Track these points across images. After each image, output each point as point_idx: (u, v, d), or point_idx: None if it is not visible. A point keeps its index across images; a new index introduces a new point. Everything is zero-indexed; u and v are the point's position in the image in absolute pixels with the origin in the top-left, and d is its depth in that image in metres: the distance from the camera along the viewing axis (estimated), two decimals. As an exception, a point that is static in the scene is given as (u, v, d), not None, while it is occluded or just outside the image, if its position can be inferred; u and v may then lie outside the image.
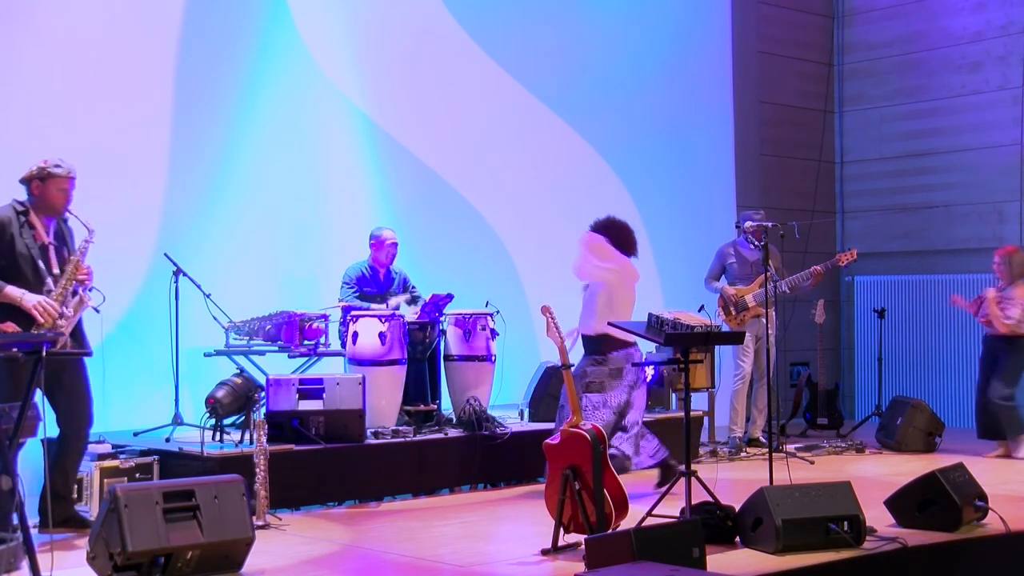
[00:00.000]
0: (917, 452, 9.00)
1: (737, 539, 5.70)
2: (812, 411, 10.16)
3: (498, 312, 8.10)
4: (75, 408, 5.98)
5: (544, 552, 5.53)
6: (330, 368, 8.09)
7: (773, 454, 6.72)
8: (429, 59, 9.50)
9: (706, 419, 9.14)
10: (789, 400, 10.51)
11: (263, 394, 6.99)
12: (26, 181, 5.89)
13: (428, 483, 7.41)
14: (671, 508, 5.94)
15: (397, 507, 7.05)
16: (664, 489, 6.26)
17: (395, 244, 8.21)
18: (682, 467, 5.97)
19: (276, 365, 7.92)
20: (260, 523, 6.01)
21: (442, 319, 8.05)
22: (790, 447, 8.91)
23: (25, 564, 4.66)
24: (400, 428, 7.43)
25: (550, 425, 7.20)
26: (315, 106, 8.89)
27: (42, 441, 5.28)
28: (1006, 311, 8.68)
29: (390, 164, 9.28)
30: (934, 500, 6.02)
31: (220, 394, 6.91)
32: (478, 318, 7.98)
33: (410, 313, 8.03)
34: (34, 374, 4.63)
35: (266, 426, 6.39)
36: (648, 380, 8.18)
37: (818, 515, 5.53)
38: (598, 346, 6.85)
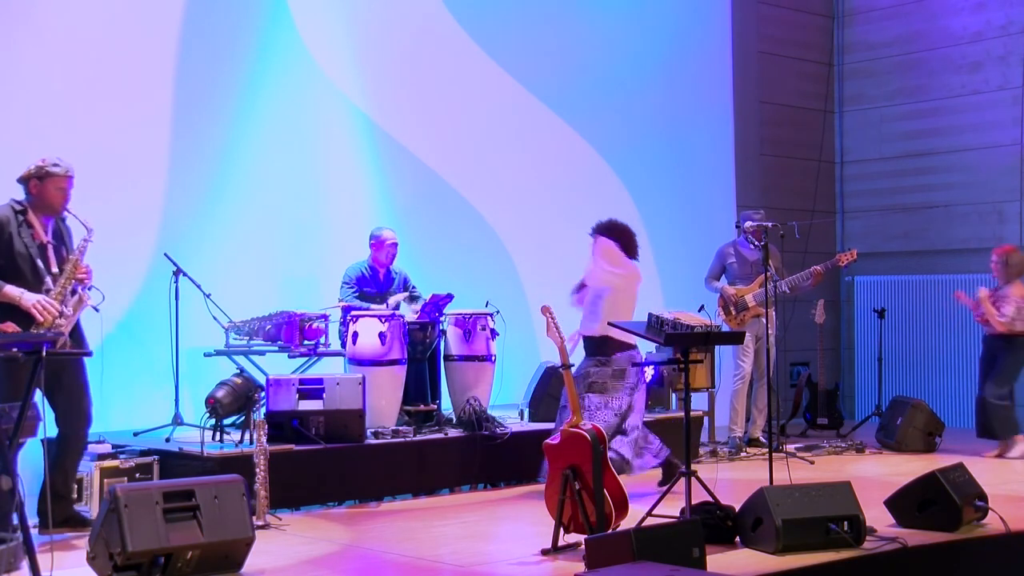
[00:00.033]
0: (917, 452, 9.00)
1: (737, 539, 5.70)
2: (812, 411, 10.16)
3: (498, 312, 8.10)
4: (74, 408, 5.98)
5: (544, 552, 5.53)
6: (330, 368, 8.09)
7: (773, 454, 6.72)
8: (429, 59, 9.50)
9: (706, 419, 9.14)
10: (789, 400, 10.51)
11: (263, 394, 6.99)
12: (24, 180, 5.89)
13: (428, 483, 7.41)
14: (671, 508, 5.94)
15: (397, 507, 7.05)
16: (664, 489, 6.27)
17: (395, 244, 8.21)
18: (682, 467, 5.97)
19: (276, 365, 7.92)
20: (260, 523, 6.01)
21: (442, 319, 8.05)
22: (790, 447, 8.91)
23: (25, 564, 4.66)
24: (400, 428, 7.43)
25: (550, 425, 7.20)
26: (315, 106, 8.89)
27: (42, 441, 5.28)
28: (1000, 309, 8.69)
29: (390, 164, 9.28)
30: (934, 500, 6.02)
31: (220, 394, 6.91)
32: (478, 318, 7.98)
33: (410, 312, 8.02)
34: (34, 374, 4.62)
35: (266, 426, 6.39)
36: (648, 380, 8.19)
37: (818, 515, 5.53)
38: (602, 347, 6.85)
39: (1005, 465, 8.47)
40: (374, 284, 8.20)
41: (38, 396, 5.00)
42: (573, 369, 5.98)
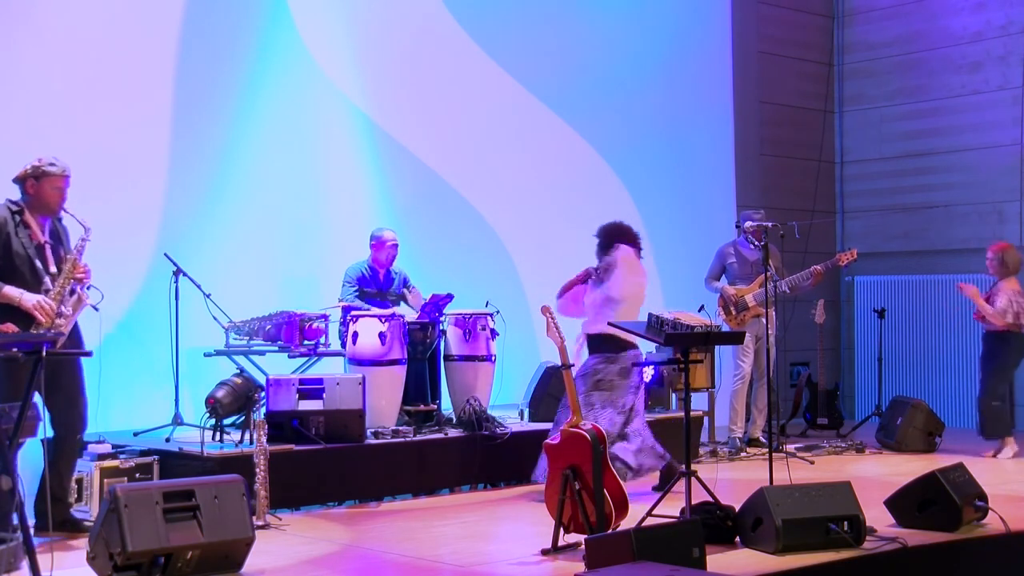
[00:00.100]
0: (917, 452, 9.00)
1: (737, 539, 5.70)
2: (812, 411, 10.16)
3: (498, 312, 8.10)
4: (71, 409, 5.97)
5: (544, 552, 5.53)
6: (330, 368, 8.09)
7: (773, 454, 6.72)
8: (429, 59, 9.51)
9: (706, 419, 9.14)
10: (789, 400, 10.51)
11: (263, 394, 6.99)
12: (20, 180, 5.88)
13: (428, 483, 7.41)
14: (671, 508, 5.94)
15: (397, 507, 7.05)
16: (664, 489, 6.27)
17: (395, 245, 8.20)
18: (682, 467, 5.97)
19: (276, 365, 7.92)
20: (260, 523, 6.01)
21: (442, 319, 8.05)
22: (790, 447, 8.91)
23: (25, 564, 4.66)
24: (400, 428, 7.43)
25: (550, 425, 7.19)
26: (315, 106, 8.89)
27: (42, 441, 5.28)
28: (993, 302, 8.71)
29: (390, 164, 9.28)
30: (934, 500, 6.02)
31: (220, 394, 6.91)
32: (478, 318, 7.98)
33: (409, 299, 8.03)
34: (34, 374, 4.62)
35: (266, 426, 6.39)
36: (648, 380, 8.19)
37: (818, 515, 5.53)
38: (609, 344, 6.83)
39: (1005, 465, 8.48)
40: (374, 284, 8.20)
41: (38, 396, 4.99)
42: (573, 369, 5.98)
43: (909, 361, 11.45)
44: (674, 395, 8.83)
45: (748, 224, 8.96)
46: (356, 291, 8.13)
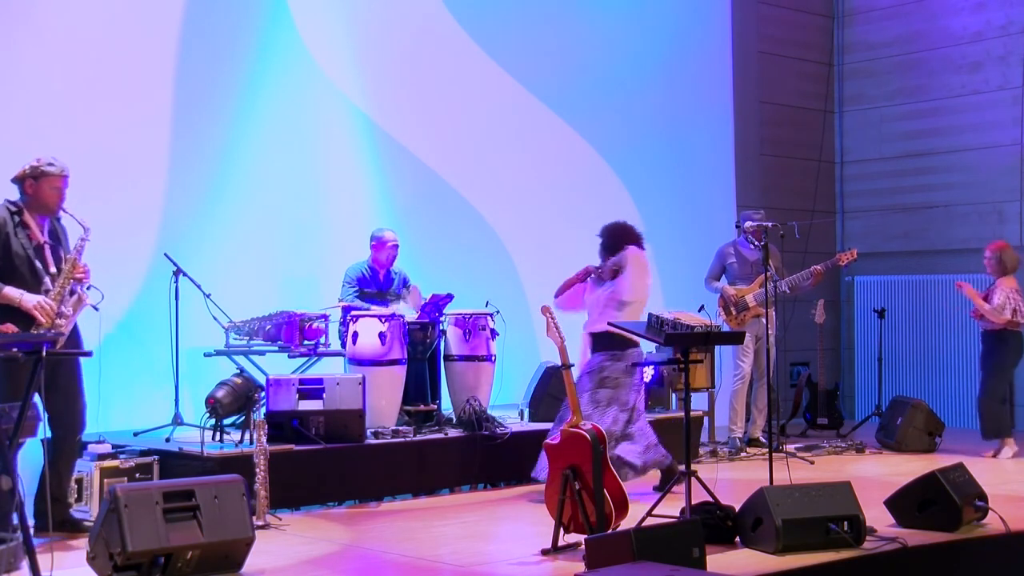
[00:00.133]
0: (917, 452, 9.00)
1: (737, 539, 5.70)
2: (812, 411, 10.16)
3: (498, 312, 8.10)
4: (70, 410, 5.97)
5: (544, 552, 5.53)
6: (330, 368, 8.09)
7: (773, 454, 6.72)
8: (429, 59, 9.50)
9: (706, 419, 9.14)
10: (789, 400, 10.51)
11: (263, 394, 6.99)
12: (19, 180, 5.87)
13: (428, 483, 7.41)
14: (671, 508, 5.94)
15: (397, 507, 7.05)
16: (664, 489, 6.27)
17: (396, 246, 8.20)
18: (682, 467, 5.97)
19: (276, 365, 7.92)
20: (260, 523, 6.01)
21: (442, 319, 8.05)
22: (790, 447, 8.91)
23: (25, 564, 4.66)
24: (400, 428, 7.43)
25: (549, 425, 7.19)
26: (315, 106, 8.89)
27: (42, 441, 5.28)
28: (990, 300, 8.72)
29: (390, 164, 9.28)
30: (934, 500, 6.02)
31: (220, 394, 6.91)
32: (478, 318, 7.98)
33: (409, 299, 8.03)
34: (34, 374, 4.62)
35: (266, 426, 6.39)
36: (648, 380, 8.19)
37: (818, 515, 5.53)
38: (615, 341, 6.82)
39: (1005, 465, 8.48)
40: (374, 284, 8.20)
41: (37, 396, 4.99)
42: (574, 369, 5.98)
43: (909, 361, 11.45)
44: (674, 395, 8.84)
45: (748, 224, 8.96)
46: (356, 291, 8.13)
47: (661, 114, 10.79)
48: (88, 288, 5.87)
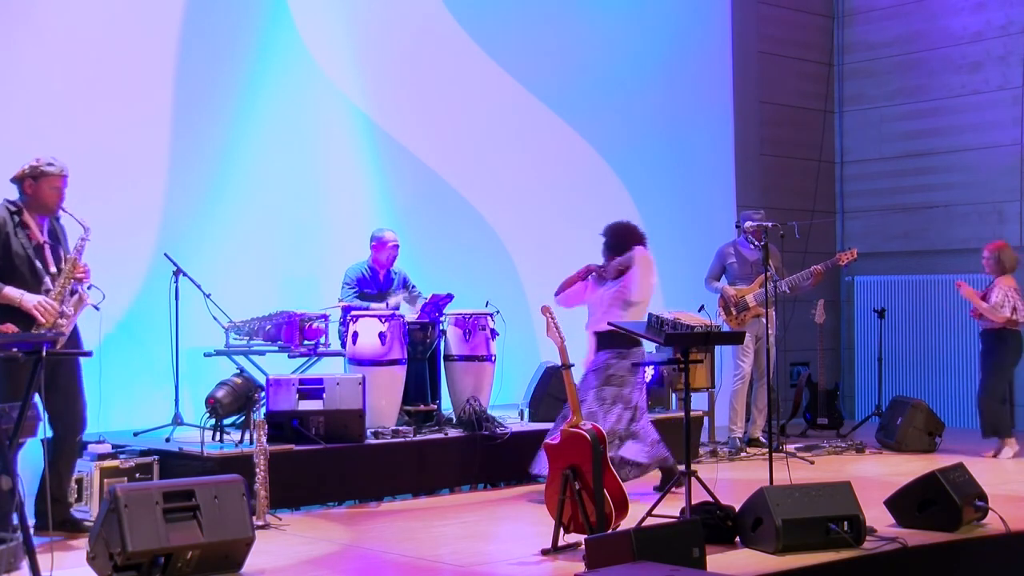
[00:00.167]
0: (917, 452, 9.00)
1: (737, 539, 5.70)
2: (812, 411, 10.16)
3: (498, 312, 8.10)
4: (70, 410, 5.96)
5: (544, 552, 5.53)
6: (330, 368, 8.09)
7: (773, 454, 6.72)
8: (429, 59, 9.50)
9: (706, 419, 9.14)
10: (789, 400, 10.51)
11: (263, 394, 6.98)
12: (18, 180, 5.87)
13: (428, 483, 7.41)
14: (671, 508, 5.95)
15: (397, 507, 7.05)
16: (664, 489, 6.27)
17: (396, 246, 8.20)
18: (682, 467, 5.97)
19: (276, 365, 7.92)
20: (260, 523, 6.01)
21: (442, 319, 8.05)
22: (790, 447, 8.91)
23: (25, 564, 4.66)
24: (400, 428, 7.43)
25: (549, 425, 7.20)
26: (315, 106, 8.89)
27: (42, 441, 5.28)
28: (988, 299, 8.72)
29: (390, 164, 9.28)
30: (934, 500, 6.02)
31: (220, 394, 6.91)
32: (478, 318, 7.98)
33: (410, 312, 8.02)
34: (34, 374, 4.62)
35: (266, 426, 6.39)
36: (648, 380, 8.19)
37: (818, 515, 5.53)
38: (620, 339, 6.82)
39: (1005, 465, 8.48)
40: (374, 285, 8.20)
41: (37, 396, 4.99)
42: (573, 369, 5.98)
43: (909, 361, 11.45)
44: (674, 395, 8.84)
45: (748, 224, 8.96)
46: (356, 292, 8.13)
47: (661, 114, 10.79)
48: (89, 288, 5.87)
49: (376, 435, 7.27)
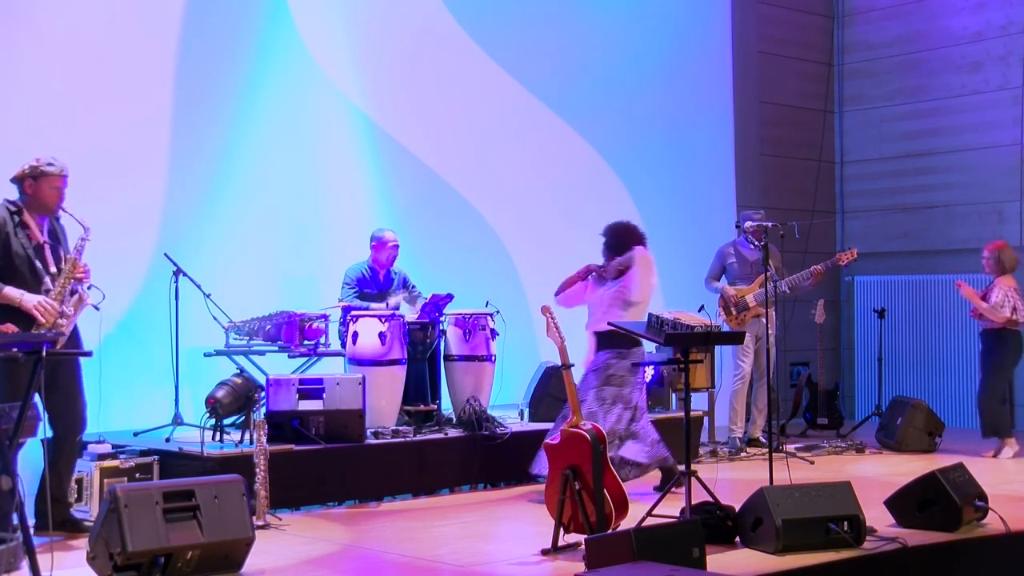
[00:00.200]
0: (917, 452, 9.00)
1: (737, 539, 5.70)
2: (812, 411, 10.16)
3: (498, 312, 8.10)
4: (70, 410, 5.96)
5: (544, 552, 5.53)
6: (330, 368, 8.09)
7: (773, 454, 6.72)
8: (429, 59, 9.50)
9: (706, 419, 9.14)
10: (789, 400, 10.51)
11: (263, 394, 6.98)
12: (18, 180, 5.87)
13: (428, 483, 7.41)
14: (671, 508, 5.95)
15: (397, 507, 7.05)
16: (664, 489, 6.27)
17: (396, 246, 8.20)
18: (682, 467, 5.97)
19: (276, 365, 7.92)
20: (260, 523, 6.01)
21: (442, 319, 8.05)
22: (790, 447, 8.91)
23: (25, 564, 4.66)
24: (400, 428, 7.43)
25: (549, 425, 7.20)
26: (315, 106, 8.89)
27: (42, 441, 5.28)
28: (988, 299, 8.73)
29: (390, 164, 9.28)
30: (934, 500, 6.02)
31: (220, 394, 6.91)
32: (478, 318, 7.98)
33: (410, 312, 8.03)
34: (34, 374, 4.62)
35: (266, 426, 6.39)
36: (648, 380, 8.19)
37: (818, 515, 5.53)
38: (621, 339, 6.82)
39: (1005, 465, 8.48)
40: (374, 285, 8.20)
41: (37, 396, 4.99)
42: (573, 369, 5.98)
43: (909, 361, 11.45)
44: (674, 395, 8.84)
45: (748, 224, 8.96)
46: (356, 292, 8.13)
47: (661, 114, 10.79)
48: (89, 288, 5.87)
49: (376, 435, 7.27)
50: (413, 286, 8.36)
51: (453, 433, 7.63)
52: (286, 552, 5.67)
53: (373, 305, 8.00)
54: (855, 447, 9.20)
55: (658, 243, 9.85)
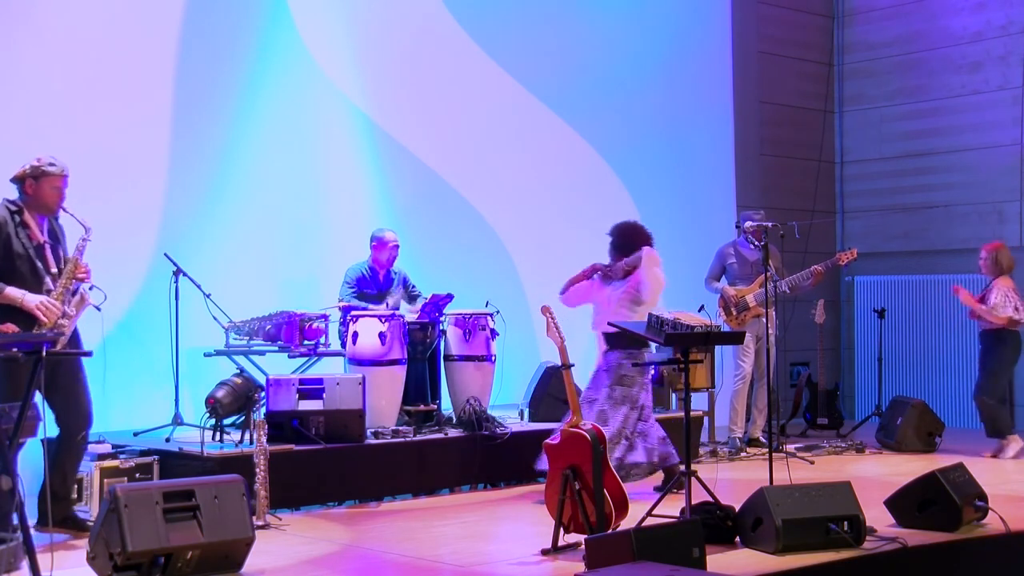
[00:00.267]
0: (917, 452, 9.00)
1: (737, 539, 5.70)
2: (812, 411, 10.16)
3: (498, 312, 8.10)
4: (73, 408, 5.96)
5: (544, 552, 5.53)
6: (330, 368, 8.09)
7: (773, 454, 6.72)
8: (429, 59, 9.51)
9: (706, 419, 9.14)
10: (789, 400, 10.51)
11: (263, 394, 6.99)
12: (19, 180, 5.86)
13: (428, 483, 7.41)
14: (671, 508, 5.95)
15: (397, 507, 7.05)
16: (664, 489, 6.27)
17: (397, 246, 8.20)
18: (682, 467, 5.97)
19: (276, 365, 7.92)
20: (260, 523, 6.01)
21: (442, 319, 8.05)
22: (790, 447, 8.91)
23: (25, 564, 4.66)
24: (400, 428, 7.43)
25: (550, 425, 7.20)
26: (315, 106, 8.89)
27: (42, 441, 5.28)
28: (987, 300, 8.73)
29: (390, 164, 9.28)
30: (934, 500, 6.02)
31: (220, 394, 6.91)
32: (478, 318, 7.98)
33: (409, 312, 8.03)
34: (34, 374, 4.62)
35: (266, 426, 6.39)
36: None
37: (818, 515, 5.53)
38: (632, 340, 6.82)
39: (1005, 465, 8.48)
40: (374, 285, 8.20)
41: (38, 396, 4.99)
42: (573, 369, 5.98)
43: (909, 361, 11.45)
44: (674, 395, 8.84)
45: (748, 224, 8.96)
46: (355, 292, 8.13)
47: (661, 114, 10.79)
48: (90, 288, 5.87)
49: (376, 435, 7.27)
50: (413, 286, 8.36)
51: (453, 433, 7.63)
52: (286, 552, 5.67)
53: (373, 305, 8.00)
54: (855, 447, 9.20)
55: (658, 243, 9.87)
